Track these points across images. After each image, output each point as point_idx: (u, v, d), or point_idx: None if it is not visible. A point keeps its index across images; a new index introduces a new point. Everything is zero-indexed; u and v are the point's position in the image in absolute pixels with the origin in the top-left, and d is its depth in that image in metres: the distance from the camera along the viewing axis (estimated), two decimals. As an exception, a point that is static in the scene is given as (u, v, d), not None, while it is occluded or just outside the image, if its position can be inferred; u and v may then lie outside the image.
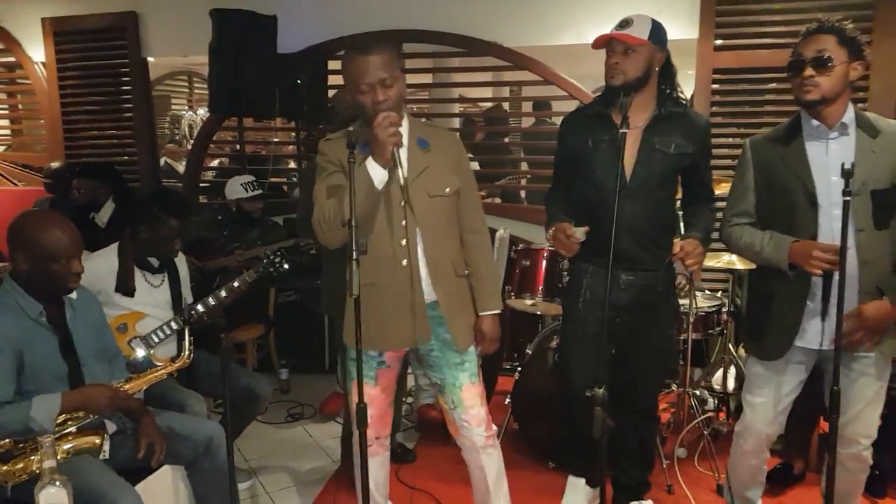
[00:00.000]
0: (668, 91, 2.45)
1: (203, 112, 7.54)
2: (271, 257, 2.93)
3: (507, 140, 5.72)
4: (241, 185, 4.09)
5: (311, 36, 4.37)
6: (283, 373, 4.19)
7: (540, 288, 3.36)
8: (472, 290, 2.38)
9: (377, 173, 2.04)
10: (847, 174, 1.84)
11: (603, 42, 2.37)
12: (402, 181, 2.13)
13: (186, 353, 2.62)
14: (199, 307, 2.80)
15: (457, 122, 5.70)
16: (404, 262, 2.17)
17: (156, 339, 2.75)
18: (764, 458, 2.45)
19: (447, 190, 2.24)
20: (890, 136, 2.12)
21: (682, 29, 3.89)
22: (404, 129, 2.20)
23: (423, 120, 2.53)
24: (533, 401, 3.18)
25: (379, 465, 2.43)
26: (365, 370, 2.27)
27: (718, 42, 3.84)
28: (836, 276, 2.05)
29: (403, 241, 2.17)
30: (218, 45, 3.99)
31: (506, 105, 6.41)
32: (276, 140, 5.65)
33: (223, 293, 2.83)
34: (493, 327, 2.39)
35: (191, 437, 2.43)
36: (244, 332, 4.00)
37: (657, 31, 2.36)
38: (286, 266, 2.94)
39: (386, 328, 2.23)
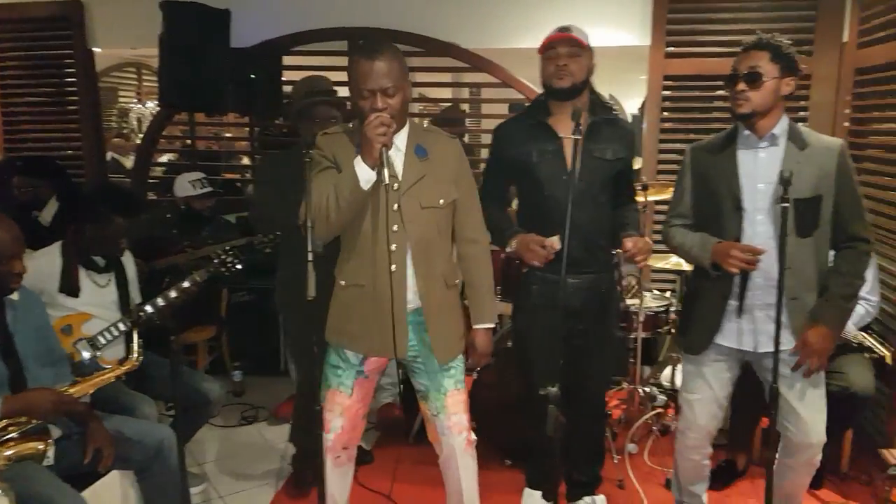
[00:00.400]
0: (597, 99, 2.53)
1: (152, 105, 7.35)
2: (223, 257, 2.88)
3: (466, 140, 5.74)
4: (190, 182, 4.00)
5: (265, 31, 4.30)
6: (237, 375, 4.12)
7: (497, 289, 3.39)
8: (469, 301, 2.37)
9: (364, 173, 2.02)
10: (786, 182, 1.93)
11: (549, 44, 2.40)
12: (395, 185, 2.12)
13: (135, 355, 2.56)
14: (148, 308, 2.74)
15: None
16: (393, 267, 2.15)
17: (102, 341, 2.69)
18: (706, 453, 2.53)
19: (441, 201, 2.21)
20: (816, 150, 2.23)
21: (635, 35, 3.98)
22: (403, 135, 2.18)
23: (427, 123, 2.50)
24: (491, 399, 3.21)
25: (343, 476, 2.39)
26: (342, 379, 2.27)
27: (670, 49, 3.93)
28: (757, 278, 2.21)
29: (393, 247, 2.14)
30: (168, 37, 3.89)
31: (465, 106, 6.44)
32: (228, 135, 5.55)
33: (173, 293, 2.77)
34: (486, 341, 2.38)
35: (141, 441, 2.39)
36: (195, 333, 3.93)
37: (588, 39, 2.44)
38: (238, 266, 2.89)
39: (367, 332, 2.21)
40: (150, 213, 4.21)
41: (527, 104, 4.20)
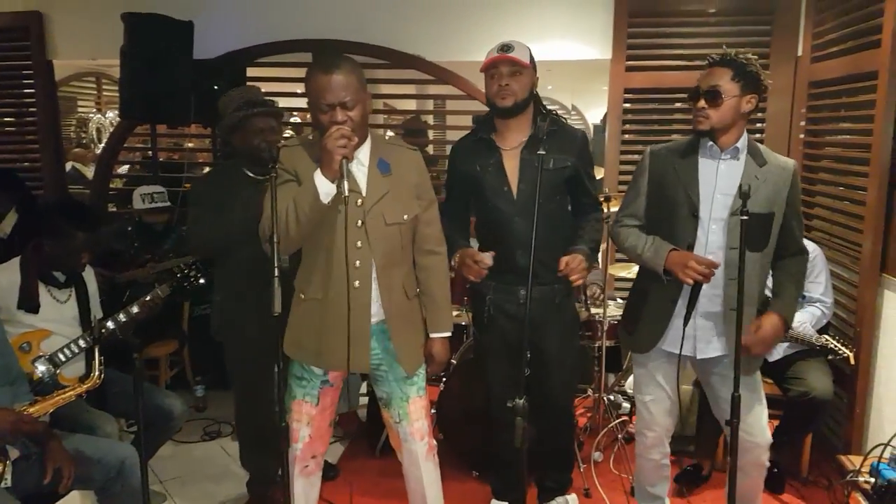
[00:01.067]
0: (542, 111, 2.57)
1: (112, 115, 7.23)
2: (185, 271, 2.83)
3: (431, 152, 5.75)
4: (141, 195, 3.92)
5: (229, 42, 4.28)
6: (199, 390, 4.07)
7: (465, 299, 3.42)
8: (425, 311, 2.38)
9: (324, 186, 2.01)
10: (744, 195, 1.97)
11: (491, 64, 2.44)
12: (358, 201, 2.12)
13: (96, 372, 2.51)
14: (110, 324, 2.69)
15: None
16: (356, 283, 2.15)
17: (62, 358, 2.63)
18: (665, 453, 2.58)
19: (405, 217, 2.23)
20: (774, 168, 2.30)
21: (596, 49, 4.05)
22: (365, 149, 2.19)
23: (389, 135, 2.50)
24: (457, 410, 3.22)
25: (311, 486, 2.40)
26: (307, 389, 2.28)
27: (630, 63, 4.00)
28: (706, 287, 2.25)
29: (358, 263, 2.14)
30: (130, 49, 3.85)
31: (429, 118, 6.46)
32: (190, 146, 5.49)
33: (135, 308, 2.73)
34: (444, 350, 2.38)
35: (101, 460, 2.34)
36: (157, 347, 3.87)
37: (532, 58, 2.48)
38: (202, 280, 2.85)
39: (325, 346, 2.20)
40: (110, 226, 4.14)
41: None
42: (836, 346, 2.92)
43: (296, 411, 2.29)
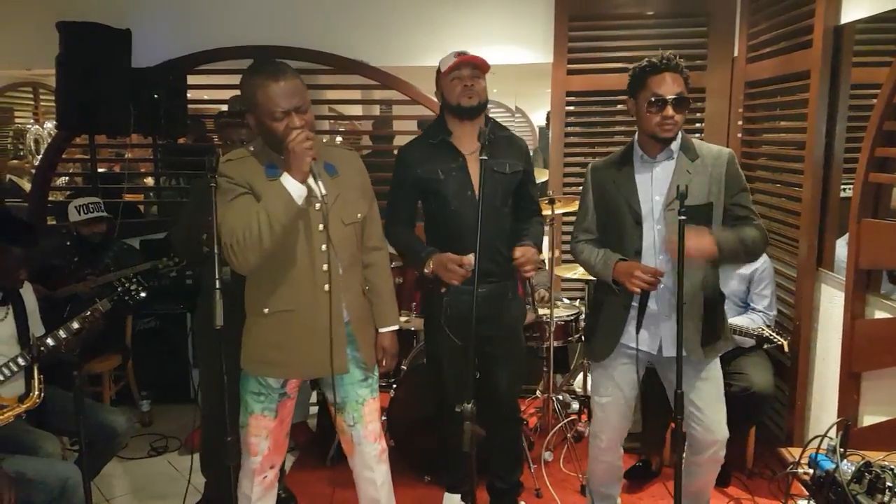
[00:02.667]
0: (489, 116, 2.64)
1: (51, 126, 7.02)
2: (126, 284, 2.76)
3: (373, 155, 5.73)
4: (76, 206, 3.78)
5: (168, 50, 4.20)
6: (145, 404, 3.98)
7: (413, 305, 3.42)
8: (374, 307, 2.41)
9: (295, 188, 2.00)
10: (681, 196, 2.01)
11: (455, 66, 2.49)
12: (318, 203, 2.12)
13: (36, 391, 2.45)
14: (49, 341, 2.61)
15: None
16: (326, 287, 2.15)
17: (0, 378, 2.54)
18: (618, 455, 2.62)
19: (359, 216, 2.26)
20: (707, 160, 2.35)
21: (539, 54, 4.10)
22: None
23: (325, 139, 2.51)
24: (408, 416, 3.21)
25: (270, 497, 2.38)
26: (266, 403, 2.26)
27: (571, 66, 4.05)
28: (654, 291, 2.31)
29: (325, 266, 2.15)
30: (66, 59, 3.75)
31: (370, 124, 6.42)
32: (128, 156, 5.35)
33: (75, 325, 2.65)
34: (393, 343, 2.45)
35: (44, 481, 2.29)
36: (100, 363, 3.76)
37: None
38: (143, 294, 2.79)
39: (301, 356, 2.19)
40: (48, 240, 4.01)
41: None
42: (770, 335, 3.01)
43: (254, 426, 2.26)
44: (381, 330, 2.41)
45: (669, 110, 2.23)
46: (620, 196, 2.37)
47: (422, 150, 2.63)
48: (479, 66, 2.51)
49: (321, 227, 2.14)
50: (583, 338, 2.64)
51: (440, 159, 2.57)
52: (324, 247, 2.15)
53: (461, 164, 2.56)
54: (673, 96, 2.23)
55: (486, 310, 2.59)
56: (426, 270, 2.52)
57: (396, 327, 2.46)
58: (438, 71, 2.59)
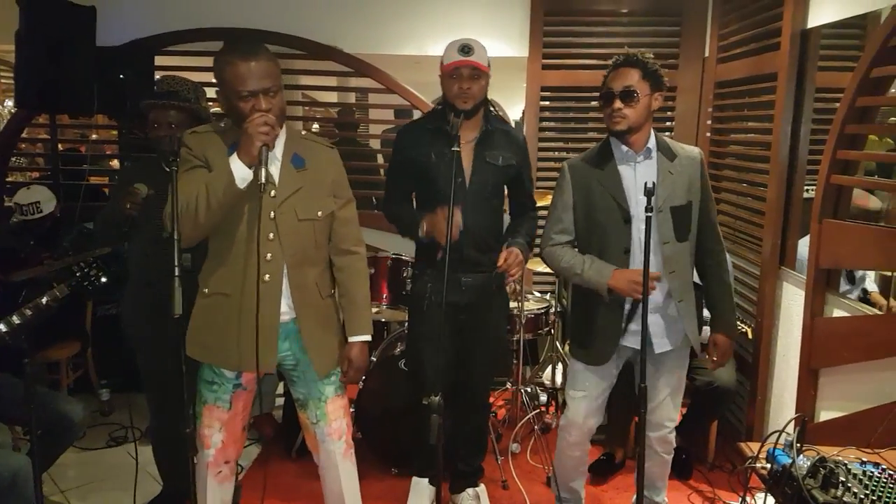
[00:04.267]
0: (491, 110, 2.65)
1: (11, 104, 6.80)
2: (85, 269, 2.67)
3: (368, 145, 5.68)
4: (19, 204, 3.71)
5: (135, 29, 4.09)
6: (104, 393, 3.89)
7: (384, 295, 3.39)
8: (343, 313, 2.32)
9: (240, 171, 1.95)
10: (649, 192, 2.03)
11: (454, 67, 2.46)
12: (272, 192, 2.05)
13: (-15, 379, 2.35)
14: (2, 327, 2.52)
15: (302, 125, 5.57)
16: (267, 277, 2.08)
17: (-52, 366, 2.45)
18: (585, 450, 2.64)
19: (319, 213, 2.19)
20: (684, 160, 2.40)
21: (514, 47, 4.09)
22: (280, 142, 2.13)
23: (304, 132, 2.44)
24: (377, 407, 3.19)
25: (225, 491, 2.31)
26: (218, 394, 2.21)
27: (546, 61, 4.05)
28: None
29: (268, 256, 2.08)
30: (26, 34, 3.62)
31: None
32: (94, 137, 5.22)
33: (28, 311, 2.54)
34: (362, 355, 2.31)
35: (-8, 471, 2.20)
36: (57, 350, 3.67)
37: (487, 57, 2.54)
38: (104, 279, 2.70)
39: (229, 344, 2.12)
40: (3, 222, 3.89)
41: (415, 110, 4.24)
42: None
43: (206, 416, 2.21)
44: (351, 339, 2.30)
45: (616, 103, 2.28)
46: (607, 194, 2.38)
47: (419, 134, 2.65)
48: (479, 69, 2.48)
49: (272, 214, 2.09)
50: (571, 341, 2.62)
51: (435, 144, 2.57)
52: (271, 235, 2.09)
53: (455, 150, 2.52)
54: (619, 89, 2.28)
55: (470, 299, 2.61)
56: (421, 233, 2.52)
57: (367, 338, 2.32)
58: (442, 60, 2.56)
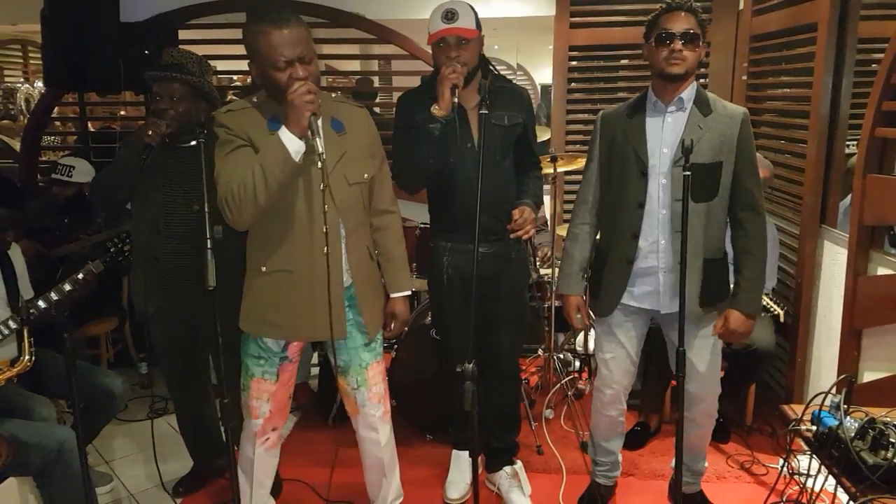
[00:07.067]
0: (490, 68, 2.54)
1: (41, 85, 6.89)
2: (119, 245, 2.70)
3: (378, 112, 5.63)
4: (58, 163, 3.76)
5: (158, 4, 4.08)
6: (143, 366, 3.96)
7: (413, 265, 3.38)
8: (384, 272, 2.36)
9: (293, 143, 1.90)
10: (686, 151, 1.95)
11: (440, 37, 2.35)
12: (320, 161, 1.98)
13: (27, 355, 2.42)
14: (40, 303, 2.56)
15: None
16: (325, 249, 2.07)
17: (-9, 340, 2.50)
18: (621, 410, 2.61)
19: (365, 176, 2.18)
20: (720, 117, 2.28)
21: (540, 6, 3.98)
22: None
23: (334, 95, 2.40)
24: (410, 376, 3.20)
25: (271, 458, 2.39)
26: (265, 367, 2.23)
27: (574, 20, 3.93)
28: (661, 241, 2.32)
29: (324, 228, 2.05)
30: (51, 13, 3.65)
31: (374, 78, 6.30)
32: (123, 113, 5.25)
33: (67, 287, 2.59)
34: (405, 308, 2.40)
35: (38, 444, 2.27)
36: (96, 325, 3.74)
37: (477, 17, 2.40)
38: (137, 253, 2.73)
39: (298, 318, 2.14)
40: (38, 200, 3.95)
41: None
42: (767, 304, 3.00)
43: (254, 389, 2.24)
44: (393, 295, 2.38)
45: (678, 44, 2.19)
46: (629, 145, 2.32)
47: (422, 101, 2.50)
48: (464, 35, 2.34)
49: (322, 185, 2.04)
50: (588, 294, 2.60)
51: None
52: (325, 207, 2.05)
53: (462, 114, 2.45)
54: (681, 31, 2.19)
55: (488, 269, 2.54)
56: (433, 111, 2.31)
57: (409, 292, 2.41)
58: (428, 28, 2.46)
